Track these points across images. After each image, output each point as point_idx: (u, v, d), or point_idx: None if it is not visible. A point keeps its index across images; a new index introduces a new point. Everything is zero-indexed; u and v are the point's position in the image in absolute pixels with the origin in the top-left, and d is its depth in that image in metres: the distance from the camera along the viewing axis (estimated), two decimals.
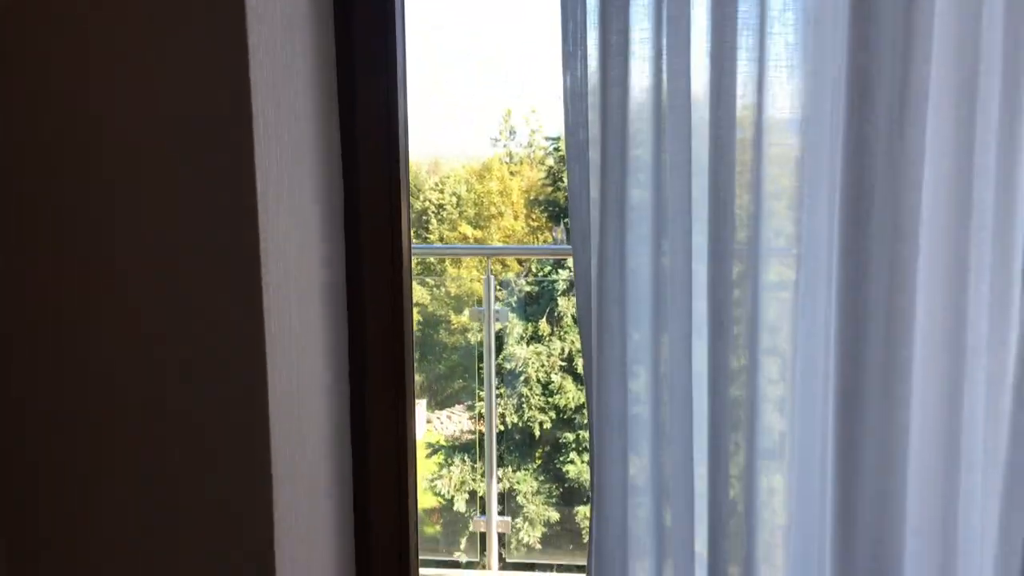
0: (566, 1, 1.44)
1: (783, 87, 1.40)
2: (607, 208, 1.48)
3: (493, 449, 3.08)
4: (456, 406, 17.16)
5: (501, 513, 3.72)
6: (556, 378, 9.88)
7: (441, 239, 38.90)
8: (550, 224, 12.26)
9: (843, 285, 1.38)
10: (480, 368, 11.05)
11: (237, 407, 1.03)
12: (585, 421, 10.29)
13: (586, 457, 10.53)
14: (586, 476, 10.38)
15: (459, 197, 39.06)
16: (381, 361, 1.46)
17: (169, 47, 0.98)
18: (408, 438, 1.51)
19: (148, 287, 1.02)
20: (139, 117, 1.00)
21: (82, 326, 1.02)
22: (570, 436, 10.29)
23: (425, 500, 11.96)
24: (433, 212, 41.89)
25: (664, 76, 1.42)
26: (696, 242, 1.46)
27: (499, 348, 10.06)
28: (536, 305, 10.32)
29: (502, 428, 10.15)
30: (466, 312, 12.11)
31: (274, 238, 1.06)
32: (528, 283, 10.93)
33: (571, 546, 10.27)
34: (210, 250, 1.01)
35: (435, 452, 11.45)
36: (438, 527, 11.83)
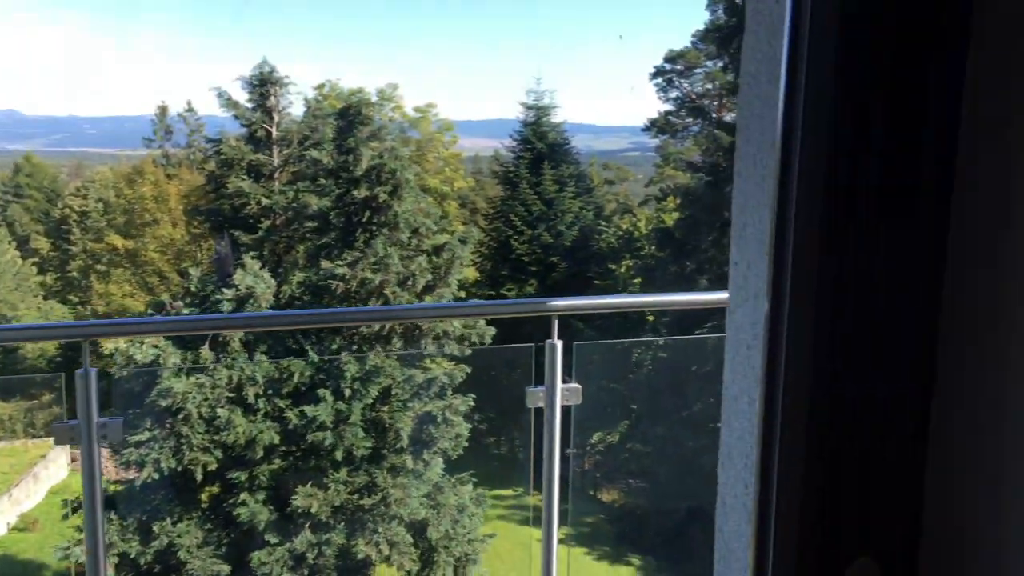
0: None
1: None
2: None
3: None
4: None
5: None
6: (223, 412, 8.56)
7: (85, 250, 34.54)
8: (213, 234, 10.81)
9: None
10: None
11: None
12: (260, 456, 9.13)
13: (260, 496, 9.33)
14: (261, 516, 9.18)
15: (106, 203, 34.95)
16: None
17: None
18: None
19: None
20: None
21: None
22: (242, 476, 9.04)
23: None
24: (75, 220, 37.17)
25: None
26: None
27: (150, 384, 8.50)
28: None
29: (156, 476, 8.59)
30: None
31: None
32: (185, 304, 9.41)
33: None
34: None
35: (73, 512, 9.50)
36: None
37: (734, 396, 0.80)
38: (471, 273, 26.48)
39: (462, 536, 10.30)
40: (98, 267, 31.67)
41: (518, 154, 26.39)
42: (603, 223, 25.58)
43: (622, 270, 22.11)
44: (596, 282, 23.07)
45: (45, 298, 33.65)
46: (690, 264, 19.67)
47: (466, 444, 10.23)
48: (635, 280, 21.16)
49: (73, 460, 23.10)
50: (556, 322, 2.16)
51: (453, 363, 10.31)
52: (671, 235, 19.30)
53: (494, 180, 31.33)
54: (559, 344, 2.17)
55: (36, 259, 38.55)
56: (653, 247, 21.20)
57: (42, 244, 39.91)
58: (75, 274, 34.51)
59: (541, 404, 2.20)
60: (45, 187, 45.54)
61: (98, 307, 30.22)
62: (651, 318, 18.95)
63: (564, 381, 2.20)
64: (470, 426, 10.32)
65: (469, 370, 9.71)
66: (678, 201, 21.25)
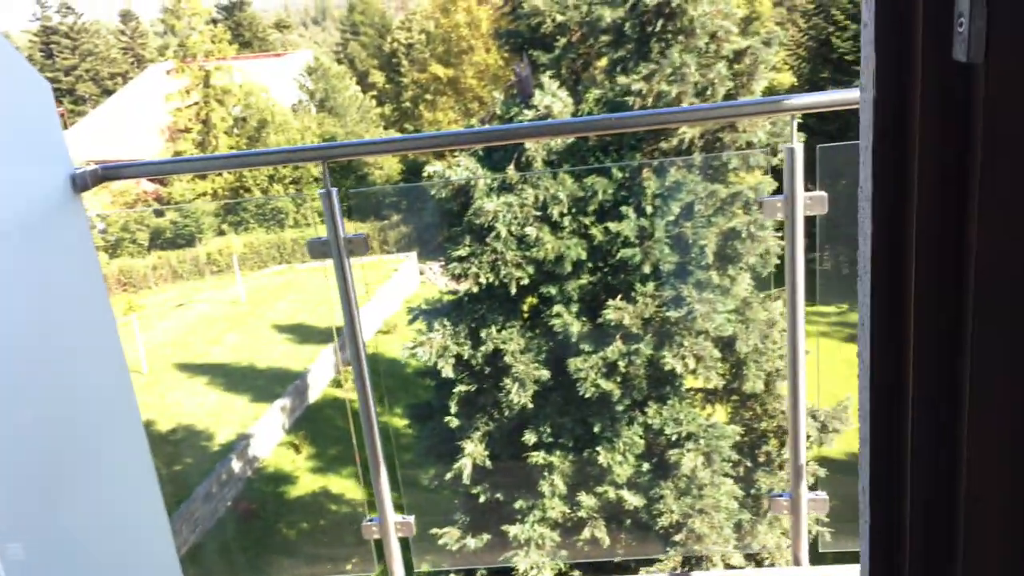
0: None
1: None
2: None
3: (378, 446, 2.17)
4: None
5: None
6: (531, 230, 9.02)
7: (413, 81, 37.17)
8: (514, 55, 11.01)
9: None
10: (453, 228, 10.09)
11: None
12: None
13: (574, 308, 9.87)
14: (574, 327, 9.74)
15: (428, 34, 37.01)
16: None
17: None
18: None
19: None
20: None
21: None
22: (552, 289, 9.58)
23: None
24: (403, 53, 40.01)
25: None
26: None
27: (466, 204, 9.14)
28: (503, 151, 9.30)
29: (475, 290, 9.40)
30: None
31: None
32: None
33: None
34: None
35: (415, 318, 10.75)
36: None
37: (867, 196, 0.61)
38: (786, 78, 24.58)
39: (772, 351, 10.16)
40: (426, 96, 34.06)
41: None
42: None
43: None
44: None
45: (385, 128, 37.11)
46: None
47: (778, 261, 9.87)
48: None
49: (421, 273, 26.06)
50: (795, 122, 1.90)
51: (765, 175, 9.82)
52: None
53: None
54: (799, 148, 1.92)
55: (374, 92, 42.38)
56: None
57: (377, 78, 43.62)
58: (407, 104, 37.48)
59: (781, 216, 2.00)
60: (376, 23, 49.12)
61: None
62: None
63: (807, 189, 1.97)
64: (783, 243, 9.89)
65: (777, 184, 9.19)
66: None
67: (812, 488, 2.18)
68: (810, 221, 2.05)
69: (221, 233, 27.20)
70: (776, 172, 9.78)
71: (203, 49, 29.47)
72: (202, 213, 27.35)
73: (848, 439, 11.87)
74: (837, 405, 10.39)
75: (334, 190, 1.94)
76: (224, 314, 22.13)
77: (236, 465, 15.44)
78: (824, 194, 1.97)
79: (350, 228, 1.98)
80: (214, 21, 36.60)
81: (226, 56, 30.45)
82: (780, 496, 2.29)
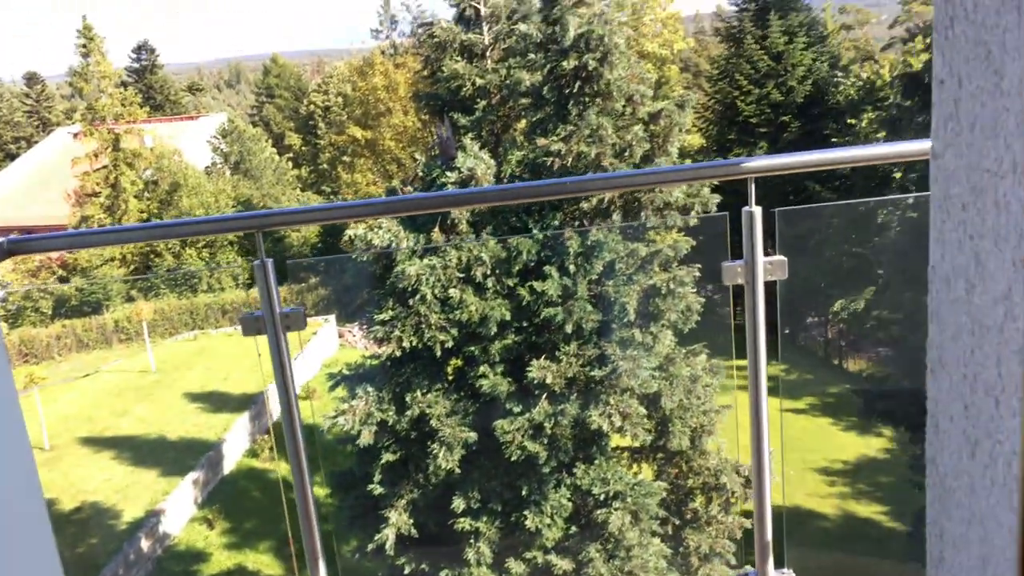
0: None
1: None
2: None
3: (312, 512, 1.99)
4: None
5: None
6: (455, 292, 8.93)
7: (331, 143, 37.04)
8: (435, 118, 11.04)
9: None
10: (378, 291, 9.83)
11: None
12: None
13: (499, 368, 9.76)
14: (501, 388, 9.62)
15: (345, 97, 37.04)
16: None
17: None
18: None
19: None
20: None
21: None
22: (476, 350, 9.47)
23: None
24: (320, 116, 39.90)
25: None
26: None
27: (389, 266, 9.00)
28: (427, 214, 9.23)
29: (397, 354, 9.21)
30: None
31: None
32: (415, 188, 9.79)
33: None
34: None
35: (336, 384, 10.45)
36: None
37: (944, 278, 0.57)
38: (695, 140, 25.45)
39: (696, 407, 10.21)
40: (344, 158, 33.94)
41: (741, 7, 24.50)
42: (840, 74, 23.40)
43: (863, 124, 20.27)
44: (834, 140, 21.38)
45: (302, 190, 36.74)
46: None
47: (698, 317, 9.99)
48: (879, 134, 19.35)
49: (341, 336, 25.58)
50: (753, 186, 1.88)
51: (680, 234, 10.02)
52: (919, 80, 17.13)
53: (716, 38, 29.46)
54: (758, 211, 1.89)
55: (291, 154, 42.10)
56: (899, 96, 19.10)
57: (294, 140, 43.39)
58: (325, 166, 37.29)
59: (740, 281, 1.96)
60: (292, 86, 49.05)
61: (347, 196, 32.58)
62: (898, 175, 17.30)
63: (767, 253, 1.94)
64: (703, 299, 10.07)
65: (695, 242, 9.38)
66: (928, 40, 18.89)
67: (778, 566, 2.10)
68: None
69: (130, 299, 26.21)
70: (690, 231, 9.99)
71: (112, 112, 28.75)
72: (110, 279, 26.38)
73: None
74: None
75: (269, 261, 1.81)
76: (132, 384, 21.18)
77: (145, 544, 14.60)
78: (784, 259, 1.94)
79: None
80: (124, 84, 35.86)
81: (137, 119, 29.77)
82: (746, 575, 2.19)
